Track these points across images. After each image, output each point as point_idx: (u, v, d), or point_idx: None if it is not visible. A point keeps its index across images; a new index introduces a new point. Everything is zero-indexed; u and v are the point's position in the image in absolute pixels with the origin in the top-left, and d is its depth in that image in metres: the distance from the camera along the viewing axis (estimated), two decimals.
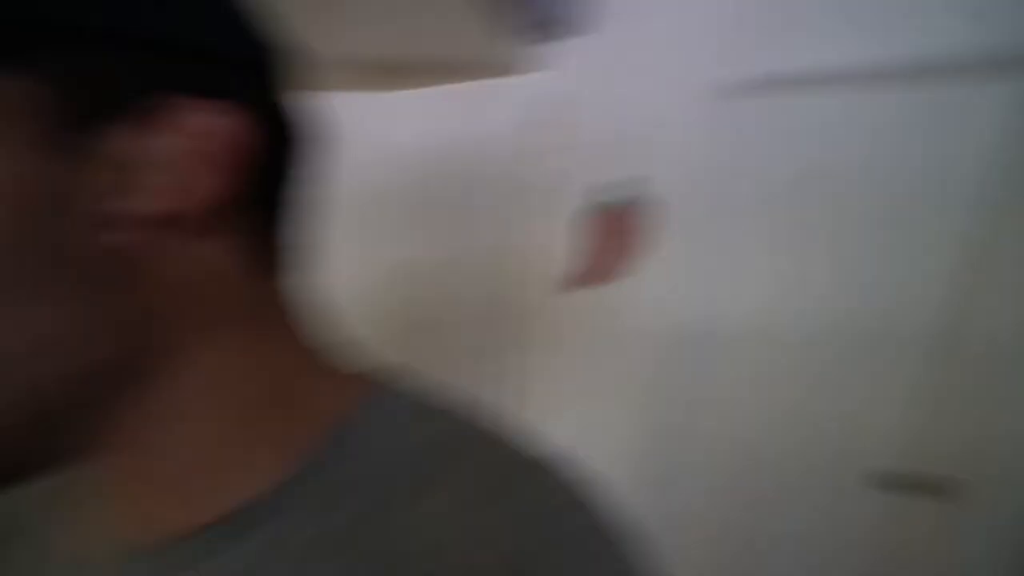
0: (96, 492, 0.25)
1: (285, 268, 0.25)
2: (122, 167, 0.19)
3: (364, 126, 1.46)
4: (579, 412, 1.35)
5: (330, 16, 1.20)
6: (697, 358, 1.28)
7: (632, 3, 1.34)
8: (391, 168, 1.48)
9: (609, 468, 1.21)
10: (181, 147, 0.19)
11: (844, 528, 1.11)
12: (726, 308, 1.27)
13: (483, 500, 0.23)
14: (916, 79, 0.97)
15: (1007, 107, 0.91)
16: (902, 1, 0.95)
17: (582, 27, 1.39)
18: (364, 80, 1.53)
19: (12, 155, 0.18)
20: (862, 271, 1.11)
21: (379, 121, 1.47)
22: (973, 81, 0.92)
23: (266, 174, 0.23)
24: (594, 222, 1.35)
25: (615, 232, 1.36)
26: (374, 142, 1.48)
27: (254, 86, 0.22)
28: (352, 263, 1.48)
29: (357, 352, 0.28)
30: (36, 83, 0.18)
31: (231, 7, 0.22)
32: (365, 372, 0.27)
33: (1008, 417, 0.97)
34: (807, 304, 1.18)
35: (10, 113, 0.17)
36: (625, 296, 1.33)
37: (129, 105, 0.19)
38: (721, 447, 1.24)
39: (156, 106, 0.19)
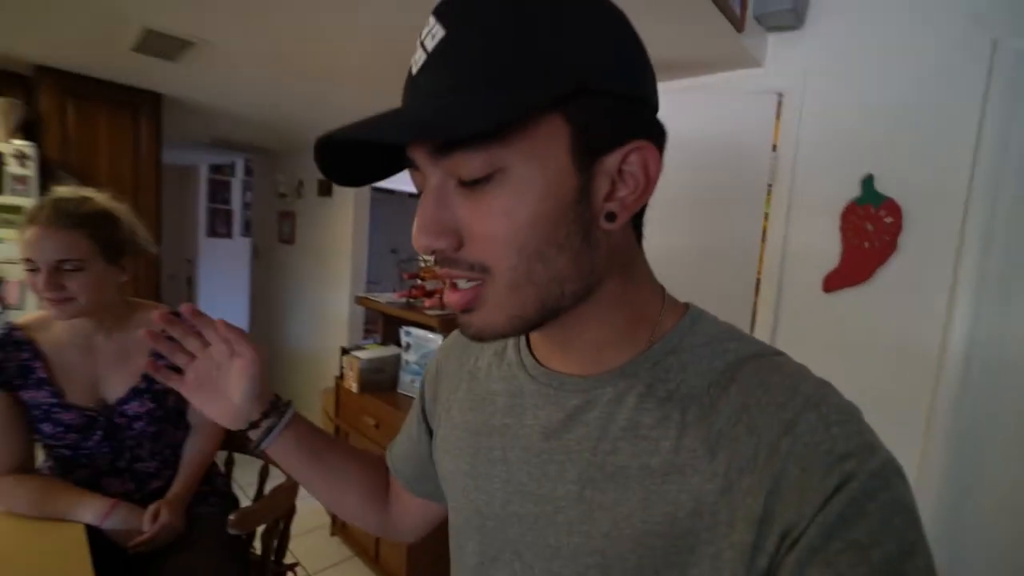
0: (539, 343, 0.45)
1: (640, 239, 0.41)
2: (611, 182, 0.35)
3: None
4: None
5: None
6: (940, 380, 1.20)
7: None
8: None
9: None
10: (639, 172, 0.35)
11: None
12: (982, 332, 1.16)
13: (775, 389, 0.35)
14: None
15: None
16: None
17: (804, 19, 1.36)
18: None
19: (559, 167, 0.33)
20: None
21: None
22: None
23: None
24: (845, 220, 1.32)
25: (864, 231, 1.30)
26: None
27: (659, 127, 0.37)
28: None
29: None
30: (564, 122, 0.33)
31: (651, 68, 0.36)
32: (687, 304, 0.43)
33: None
34: None
35: (555, 138, 0.33)
36: (865, 303, 1.30)
37: (614, 142, 0.34)
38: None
39: (627, 144, 0.34)
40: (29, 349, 1.02)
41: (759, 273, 1.49)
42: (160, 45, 1.65)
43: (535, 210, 0.33)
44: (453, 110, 0.31)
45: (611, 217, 0.35)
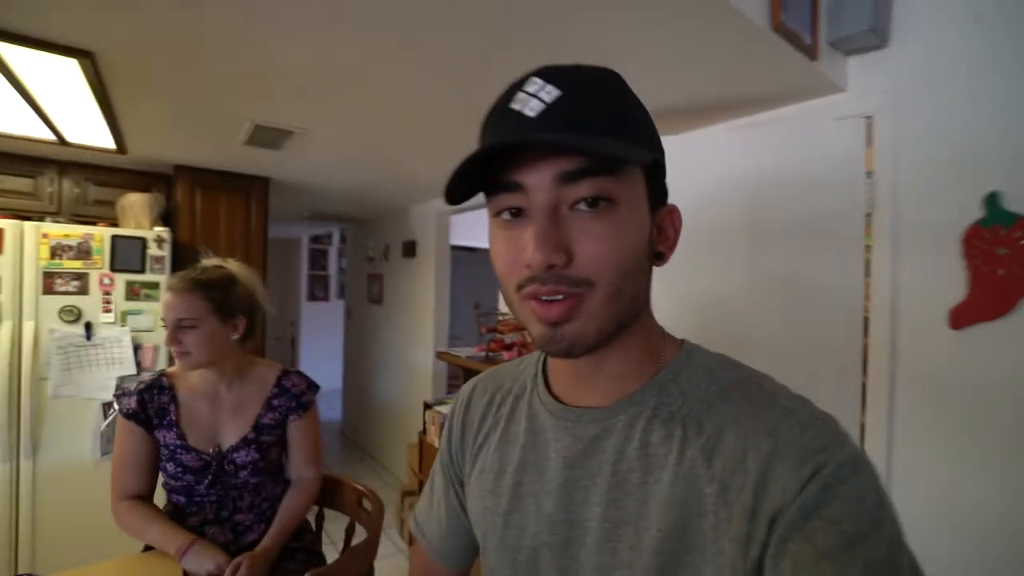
0: (562, 380, 0.51)
1: None
2: (658, 230, 0.45)
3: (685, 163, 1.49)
4: (948, 460, 1.18)
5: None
6: None
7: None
8: (714, 200, 1.49)
9: (972, 518, 1.10)
10: (670, 227, 0.46)
11: None
12: None
13: (759, 403, 0.41)
14: None
15: None
16: None
17: (887, 39, 1.27)
18: (674, 122, 1.57)
19: (643, 209, 0.43)
20: None
21: (698, 157, 1.52)
22: None
23: None
24: (968, 245, 1.17)
25: (995, 256, 1.13)
26: (696, 176, 1.50)
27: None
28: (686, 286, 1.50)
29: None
30: (643, 177, 0.43)
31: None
32: (682, 340, 0.50)
33: None
34: None
35: (640, 187, 0.42)
36: (1009, 340, 1.11)
37: (661, 201, 0.45)
38: None
39: (666, 205, 0.46)
40: (169, 394, 1.16)
41: (866, 311, 1.33)
42: (266, 136, 1.90)
43: (634, 237, 0.41)
44: (618, 144, 0.39)
45: (660, 255, 0.46)
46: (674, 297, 1.54)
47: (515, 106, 0.40)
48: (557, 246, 0.39)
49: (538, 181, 0.39)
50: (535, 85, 0.40)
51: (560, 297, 0.40)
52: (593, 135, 0.39)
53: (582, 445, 0.46)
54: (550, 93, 0.39)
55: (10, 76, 1.38)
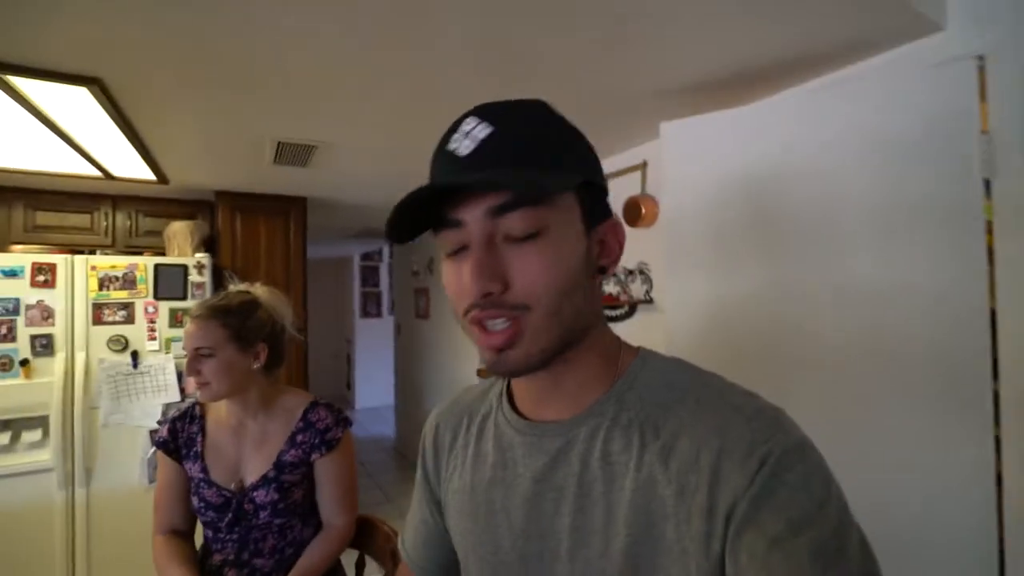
0: (524, 397, 0.53)
1: None
2: (600, 246, 0.47)
3: (715, 149, 1.32)
4: None
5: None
6: None
7: None
8: (769, 184, 1.26)
9: None
10: (614, 241, 0.48)
11: None
12: None
13: (711, 404, 0.43)
14: None
15: None
16: None
17: None
18: (720, 95, 1.36)
19: (577, 230, 0.44)
20: None
21: (741, 136, 1.29)
22: None
23: None
24: None
25: None
26: (740, 159, 1.29)
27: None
28: (721, 286, 1.31)
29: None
30: (576, 200, 0.45)
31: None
32: (639, 347, 0.52)
33: None
34: None
35: (573, 210, 0.44)
36: None
37: (600, 218, 0.47)
38: None
39: (606, 221, 0.48)
40: (199, 425, 1.11)
41: (992, 302, 1.05)
42: (291, 153, 1.86)
43: (569, 260, 0.43)
44: (539, 177, 0.41)
45: (602, 270, 0.47)
46: (723, 301, 1.31)
47: (451, 146, 0.43)
48: (493, 276, 0.41)
49: (472, 217, 0.42)
50: (469, 124, 0.43)
51: (500, 321, 0.42)
52: (520, 167, 0.41)
53: (548, 459, 0.47)
54: (482, 131, 0.42)
55: (38, 113, 1.40)
